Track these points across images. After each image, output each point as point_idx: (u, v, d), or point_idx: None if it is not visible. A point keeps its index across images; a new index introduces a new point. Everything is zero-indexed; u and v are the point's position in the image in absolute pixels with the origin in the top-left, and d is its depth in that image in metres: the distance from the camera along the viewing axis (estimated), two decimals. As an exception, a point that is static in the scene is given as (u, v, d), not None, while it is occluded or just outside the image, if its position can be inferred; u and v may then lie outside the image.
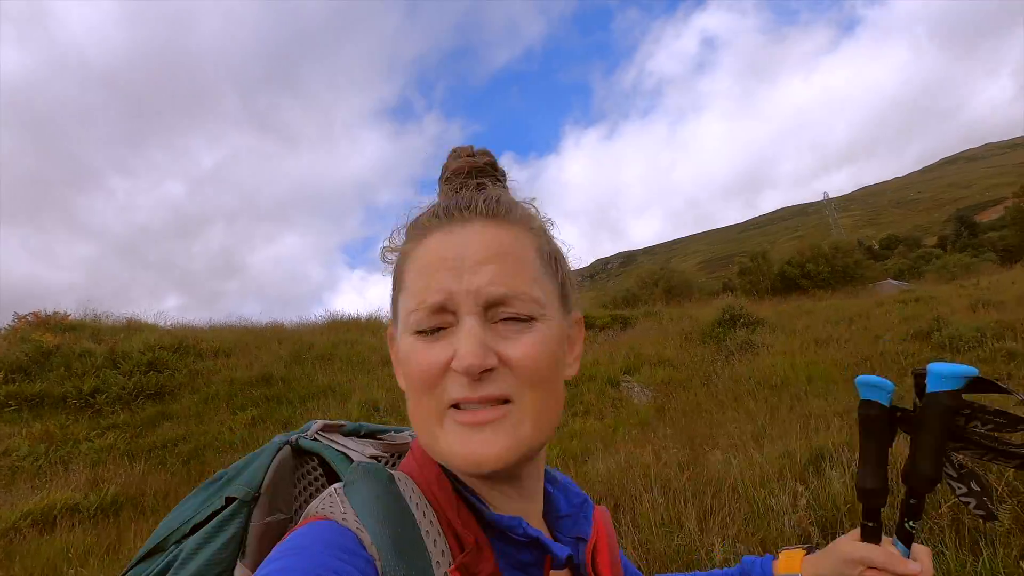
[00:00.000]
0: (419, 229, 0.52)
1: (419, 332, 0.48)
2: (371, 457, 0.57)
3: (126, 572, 0.56)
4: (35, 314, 10.71)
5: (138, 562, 0.56)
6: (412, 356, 0.48)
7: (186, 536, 0.54)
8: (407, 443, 0.62)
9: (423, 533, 0.45)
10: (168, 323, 12.54)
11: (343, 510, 0.45)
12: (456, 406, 0.47)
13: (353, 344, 10.25)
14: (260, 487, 0.54)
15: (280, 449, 0.58)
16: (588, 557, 0.55)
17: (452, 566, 0.44)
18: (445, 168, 0.58)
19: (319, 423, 0.62)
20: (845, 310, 10.33)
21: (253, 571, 0.51)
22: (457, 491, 0.49)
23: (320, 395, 8.27)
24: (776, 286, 28.27)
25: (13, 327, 10.27)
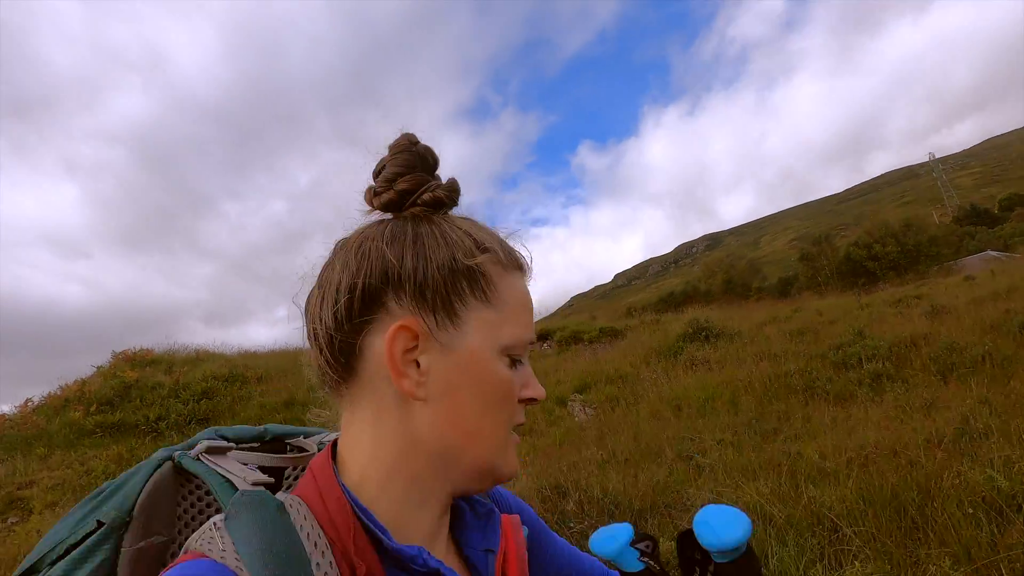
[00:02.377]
0: (510, 260, 0.54)
1: (511, 358, 0.51)
2: (256, 484, 0.51)
3: None
4: (125, 352, 13.20)
5: None
6: (504, 375, 0.50)
7: (60, 558, 0.49)
8: (311, 454, 0.60)
9: (314, 566, 0.42)
10: (232, 350, 14.79)
11: (222, 547, 0.41)
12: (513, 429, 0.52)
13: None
14: (132, 510, 0.49)
15: (161, 465, 0.53)
16: (498, 569, 0.54)
17: None
18: (452, 192, 0.54)
19: (205, 443, 0.56)
20: (828, 312, 10.21)
21: None
22: (358, 517, 0.46)
23: (330, 418, 9.74)
24: (843, 270, 26.60)
25: (109, 365, 12.75)
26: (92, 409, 10.41)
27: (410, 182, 0.52)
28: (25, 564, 0.51)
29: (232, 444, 0.58)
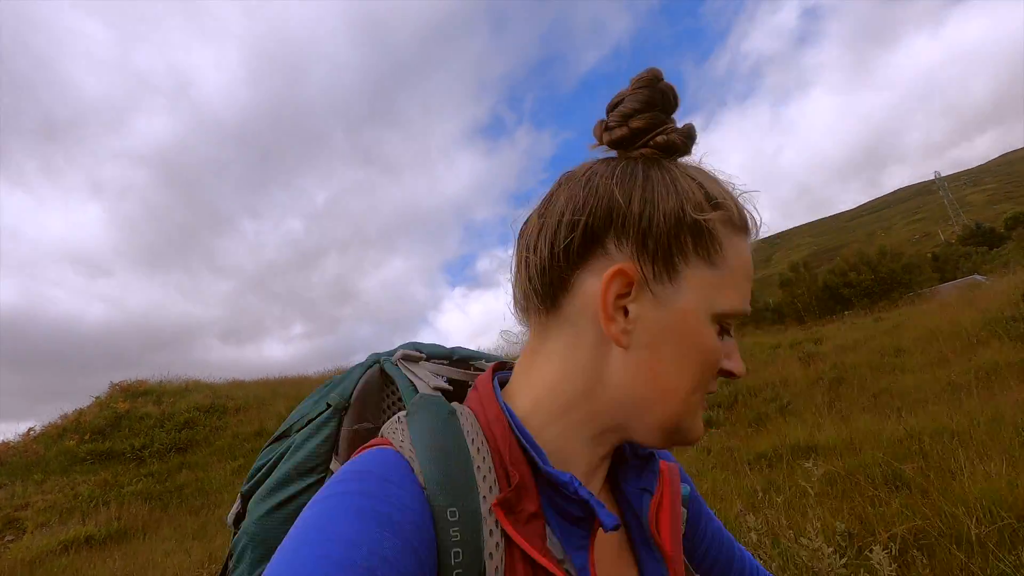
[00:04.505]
0: (741, 221, 0.50)
1: (720, 324, 0.49)
2: (436, 388, 0.56)
3: (265, 447, 0.64)
4: (121, 383, 14.54)
5: (271, 442, 0.64)
6: (712, 341, 0.48)
7: (302, 428, 0.60)
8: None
9: (475, 468, 0.46)
10: (221, 380, 16.09)
11: (400, 438, 0.47)
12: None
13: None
14: (350, 398, 0.59)
15: (370, 367, 0.63)
16: (652, 512, 0.54)
17: (495, 500, 0.45)
18: (687, 138, 0.51)
19: (402, 351, 0.64)
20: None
21: None
22: (515, 434, 0.48)
23: (288, 447, 10.90)
24: (822, 297, 27.21)
25: (106, 395, 14.08)
26: (86, 438, 11.70)
27: (646, 120, 0.50)
28: (281, 429, 0.63)
29: (424, 356, 0.64)
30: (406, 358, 0.63)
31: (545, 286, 0.50)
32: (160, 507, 9.37)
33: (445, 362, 0.65)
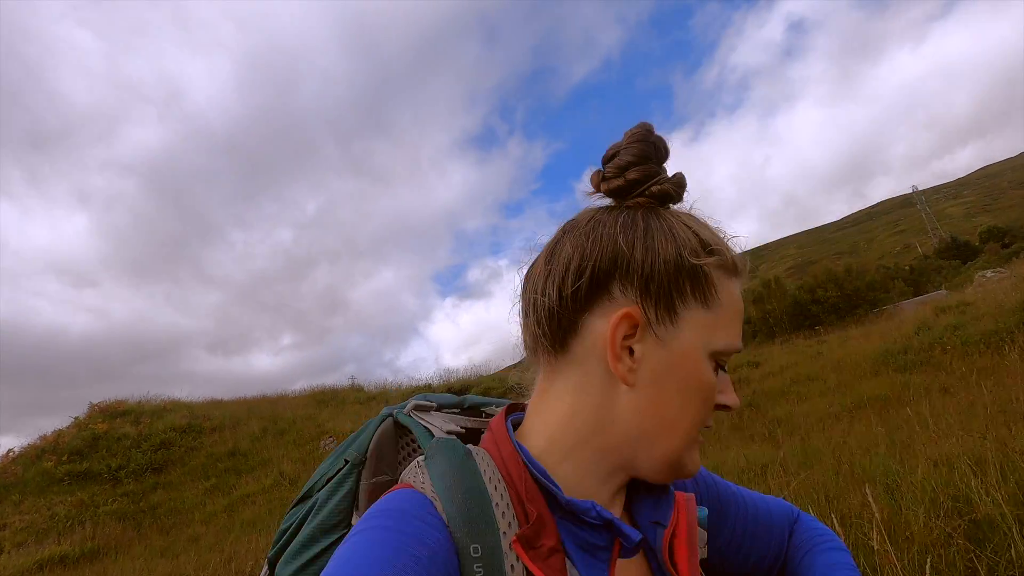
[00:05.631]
0: (733, 265, 0.54)
1: (715, 361, 0.52)
2: (450, 432, 0.59)
3: (289, 510, 0.66)
4: (100, 404, 14.95)
5: (295, 505, 0.66)
6: (709, 377, 0.51)
7: (322, 487, 0.63)
8: None
9: (493, 505, 0.48)
10: (198, 399, 16.50)
11: (422, 480, 0.49)
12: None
13: (303, 420, 13.42)
14: (366, 452, 0.61)
15: (384, 420, 0.65)
16: (665, 543, 0.55)
17: (515, 537, 0.46)
18: (678, 187, 0.55)
19: (414, 402, 0.66)
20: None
21: None
22: (529, 471, 0.51)
23: (259, 466, 11.40)
24: (792, 312, 28.00)
25: (85, 416, 14.48)
26: (64, 459, 12.12)
27: (641, 172, 0.53)
28: (301, 492, 0.66)
29: (434, 406, 0.67)
30: (418, 408, 0.66)
31: (554, 329, 0.53)
32: (133, 526, 9.83)
33: (456, 411, 0.68)
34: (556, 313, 0.53)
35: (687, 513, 0.59)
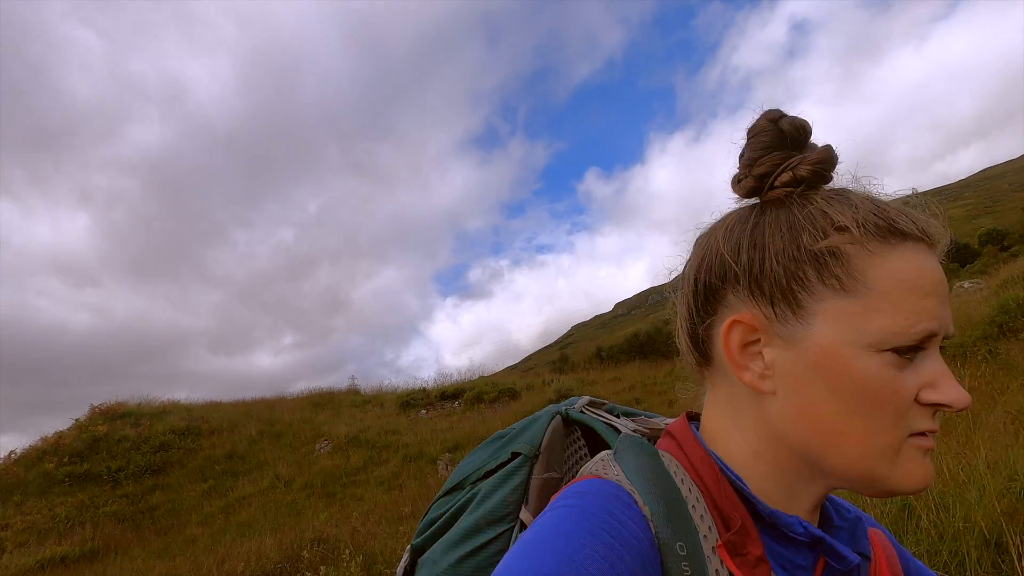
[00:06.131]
0: (887, 233, 0.44)
1: (895, 353, 0.43)
2: (634, 431, 0.58)
3: (435, 501, 0.65)
4: (101, 406, 15.19)
5: (444, 494, 0.65)
6: (885, 381, 0.43)
7: (480, 479, 0.62)
8: (660, 427, 0.62)
9: (690, 507, 0.45)
10: (198, 401, 16.72)
11: (616, 472, 0.48)
12: (920, 434, 0.44)
13: (299, 423, 13.66)
14: (540, 446, 0.60)
15: (554, 417, 0.64)
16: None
17: (719, 542, 0.44)
18: (817, 166, 0.48)
19: (585, 399, 0.66)
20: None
21: (534, 516, 0.57)
22: (728, 478, 0.47)
23: (255, 469, 11.64)
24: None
25: (86, 418, 14.72)
26: (64, 460, 12.36)
27: (767, 164, 0.49)
28: (450, 483, 0.65)
29: (605, 404, 0.67)
30: (592, 404, 0.66)
31: (694, 342, 0.52)
32: (132, 527, 10.06)
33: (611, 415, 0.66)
34: (691, 328, 0.52)
35: (884, 548, 0.55)
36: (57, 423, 14.22)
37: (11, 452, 13.07)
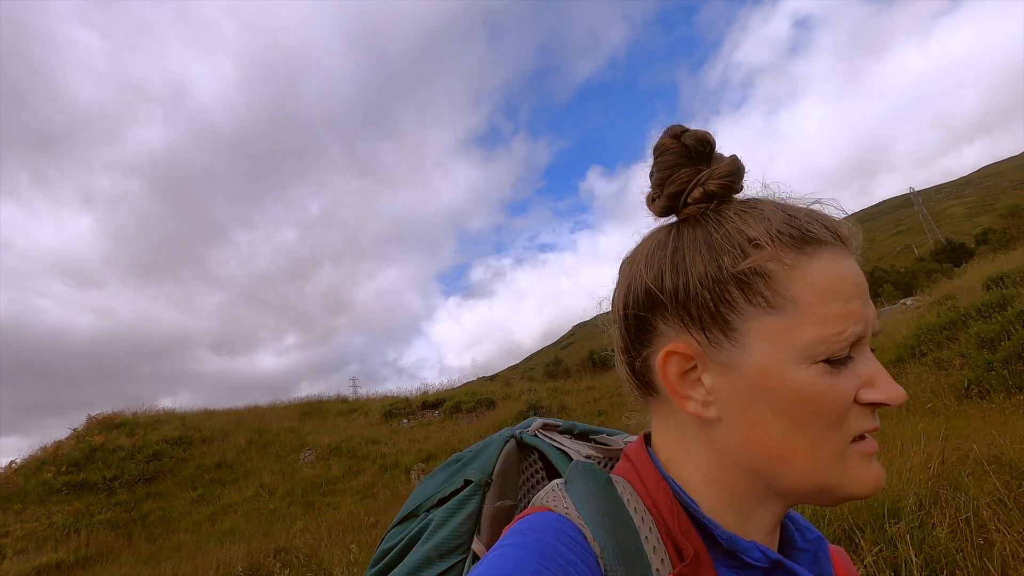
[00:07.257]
0: (803, 243, 0.44)
1: (828, 362, 0.42)
2: (587, 457, 0.56)
3: (391, 529, 0.63)
4: (98, 416, 15.84)
5: (398, 523, 0.63)
6: (824, 390, 0.42)
7: (433, 507, 0.61)
8: (619, 448, 0.60)
9: (642, 538, 0.44)
10: (192, 409, 17.36)
11: (565, 504, 0.46)
12: (860, 438, 0.44)
13: (286, 433, 14.27)
14: (492, 474, 0.59)
15: (507, 441, 0.62)
16: None
17: (671, 574, 0.42)
18: (726, 177, 0.47)
19: (540, 421, 0.64)
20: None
21: (487, 547, 0.56)
22: (683, 504, 0.46)
23: (242, 478, 12.25)
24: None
25: (83, 427, 15.36)
26: (62, 470, 13.00)
27: (677, 183, 0.48)
28: (404, 511, 0.63)
29: (560, 427, 0.65)
30: (546, 428, 0.64)
31: (634, 373, 0.51)
32: (124, 535, 10.68)
33: (567, 436, 0.65)
34: (627, 360, 0.51)
35: (845, 570, 0.55)
36: (60, 424, 14.86)
37: (11, 462, 13.75)
